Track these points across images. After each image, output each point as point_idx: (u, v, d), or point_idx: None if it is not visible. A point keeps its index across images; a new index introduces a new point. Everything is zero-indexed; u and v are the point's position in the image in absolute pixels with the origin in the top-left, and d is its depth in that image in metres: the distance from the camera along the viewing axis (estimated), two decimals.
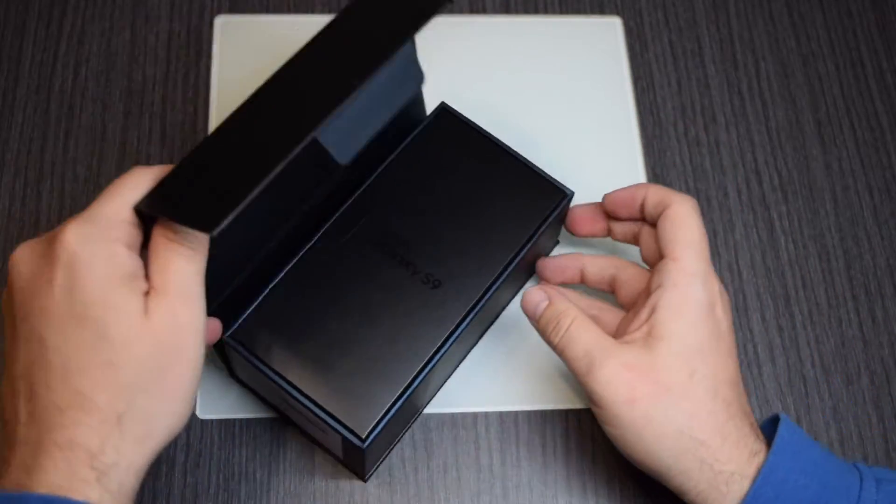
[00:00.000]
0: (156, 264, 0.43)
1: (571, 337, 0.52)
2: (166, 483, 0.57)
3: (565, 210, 0.60)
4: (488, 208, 0.58)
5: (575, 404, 0.60)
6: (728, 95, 0.71)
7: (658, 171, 0.68)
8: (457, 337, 0.54)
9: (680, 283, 0.52)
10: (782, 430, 0.51)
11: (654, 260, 0.56)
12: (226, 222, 0.40)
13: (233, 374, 0.59)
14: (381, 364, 0.53)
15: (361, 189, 0.57)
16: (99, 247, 0.42)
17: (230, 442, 0.58)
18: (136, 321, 0.42)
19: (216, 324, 0.51)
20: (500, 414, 0.60)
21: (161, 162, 0.65)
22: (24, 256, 0.44)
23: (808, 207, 0.68)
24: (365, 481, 0.57)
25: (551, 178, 0.59)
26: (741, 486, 0.49)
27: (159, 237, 0.44)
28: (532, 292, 0.55)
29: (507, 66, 0.71)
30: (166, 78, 0.69)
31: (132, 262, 0.43)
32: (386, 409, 0.52)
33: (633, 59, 0.72)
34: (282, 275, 0.54)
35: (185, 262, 0.43)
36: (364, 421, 0.51)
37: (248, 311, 0.53)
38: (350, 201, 0.57)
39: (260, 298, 0.54)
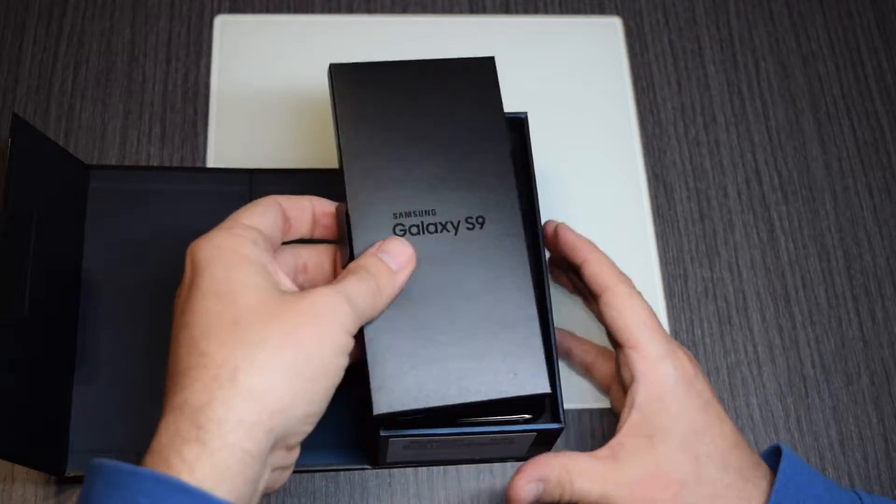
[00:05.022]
0: (339, 277, 0.48)
1: (581, 494, 0.51)
2: None
3: (494, 75, 0.56)
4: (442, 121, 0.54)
5: (574, 403, 0.60)
6: (728, 95, 0.71)
7: (658, 171, 0.68)
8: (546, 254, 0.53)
9: (650, 373, 0.52)
10: (784, 466, 0.51)
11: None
12: None
13: (381, 464, 0.57)
14: (483, 327, 0.51)
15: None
16: (224, 241, 0.46)
17: None
18: (265, 292, 0.45)
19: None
20: None
21: (161, 162, 0.65)
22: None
23: (808, 207, 0.68)
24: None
25: (464, 58, 0.56)
26: None
27: (352, 265, 0.48)
28: (520, 485, 0.51)
29: (507, 66, 0.70)
30: (166, 78, 0.69)
31: (258, 254, 0.46)
32: (541, 351, 0.51)
33: (633, 59, 0.72)
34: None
35: (360, 286, 0.47)
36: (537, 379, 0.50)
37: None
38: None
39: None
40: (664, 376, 0.52)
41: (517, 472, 0.51)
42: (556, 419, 0.53)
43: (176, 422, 0.41)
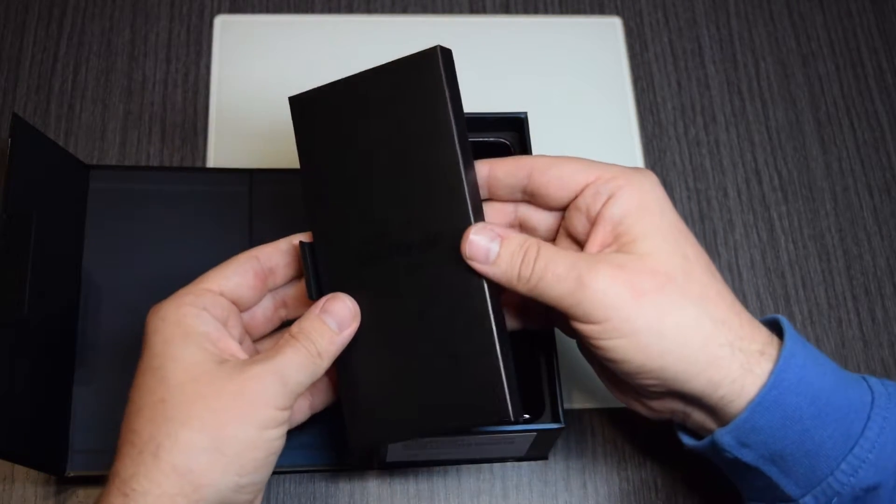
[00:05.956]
0: (274, 347, 0.48)
1: (548, 260, 0.46)
2: None
3: (451, 66, 0.50)
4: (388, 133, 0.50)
5: (574, 404, 0.60)
6: (728, 95, 0.71)
7: (658, 171, 0.68)
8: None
9: (626, 186, 0.48)
10: (786, 322, 0.48)
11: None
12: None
13: (381, 464, 0.57)
14: (451, 355, 0.48)
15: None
16: (169, 313, 0.47)
17: None
18: (197, 368, 0.46)
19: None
20: None
21: (161, 162, 0.65)
22: None
23: (808, 207, 0.68)
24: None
25: (411, 55, 0.50)
26: (766, 370, 0.46)
27: (294, 328, 0.48)
28: (477, 234, 0.47)
29: (506, 66, 0.71)
30: (166, 78, 0.69)
31: (203, 324, 0.47)
32: (503, 374, 0.47)
33: (633, 59, 0.72)
34: None
35: (295, 358, 0.47)
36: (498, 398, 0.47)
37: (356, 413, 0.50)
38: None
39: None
40: (641, 184, 0.48)
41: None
42: (556, 419, 0.53)
43: (108, 490, 0.44)
